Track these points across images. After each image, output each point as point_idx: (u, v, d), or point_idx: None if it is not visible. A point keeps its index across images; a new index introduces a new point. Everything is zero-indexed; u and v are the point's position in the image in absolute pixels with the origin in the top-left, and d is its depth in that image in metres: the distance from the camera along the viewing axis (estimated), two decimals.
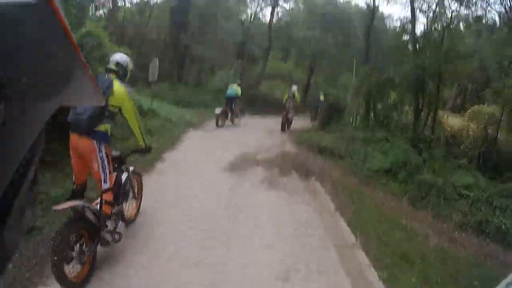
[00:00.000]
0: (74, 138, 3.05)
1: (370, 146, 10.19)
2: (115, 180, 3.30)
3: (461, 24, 15.67)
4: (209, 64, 23.78)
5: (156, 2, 27.65)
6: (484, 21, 15.87)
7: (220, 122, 12.02)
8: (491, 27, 16.17)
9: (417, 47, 13.57)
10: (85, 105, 2.69)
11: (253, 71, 25.95)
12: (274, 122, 13.87)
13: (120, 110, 3.22)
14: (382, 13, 44.86)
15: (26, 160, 0.52)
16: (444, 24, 13.49)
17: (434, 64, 11.21)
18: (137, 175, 4.12)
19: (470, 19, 15.52)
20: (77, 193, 3.23)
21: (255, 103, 19.68)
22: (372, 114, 14.21)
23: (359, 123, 14.17)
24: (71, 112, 3.00)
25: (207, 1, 22.18)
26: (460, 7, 13.93)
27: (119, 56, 3.40)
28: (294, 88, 14.31)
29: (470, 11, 14.63)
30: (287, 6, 26.42)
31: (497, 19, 15.78)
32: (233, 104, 12.52)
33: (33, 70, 0.48)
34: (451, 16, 13.92)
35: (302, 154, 9.04)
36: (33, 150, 0.53)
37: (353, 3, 33.79)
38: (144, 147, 3.54)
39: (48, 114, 0.55)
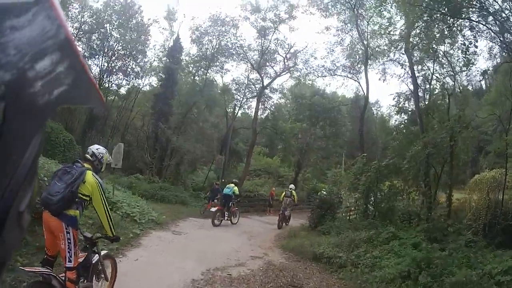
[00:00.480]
0: (45, 216, 3.30)
1: (377, 248, 8.21)
2: (85, 259, 3.52)
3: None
4: (190, 157, 22.77)
5: (140, 89, 28.34)
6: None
7: (216, 221, 11.83)
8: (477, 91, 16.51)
9: (422, 121, 12.99)
10: (57, 188, 3.23)
11: (237, 166, 25.17)
12: (258, 222, 13.92)
13: (90, 198, 3.41)
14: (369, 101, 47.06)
15: (26, 161, 0.53)
16: (448, 92, 13.39)
17: (446, 137, 10.04)
18: (111, 258, 4.25)
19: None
20: (48, 262, 3.41)
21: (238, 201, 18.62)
22: (371, 206, 12.44)
23: (358, 216, 12.58)
24: (44, 191, 3.36)
25: (191, 91, 22.29)
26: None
27: (96, 148, 3.71)
28: (292, 186, 15.83)
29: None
30: (274, 97, 26.65)
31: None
32: (230, 204, 12.61)
33: (33, 70, 0.50)
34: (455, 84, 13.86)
35: (291, 265, 7.16)
36: (32, 152, 0.54)
37: (339, 93, 35.61)
38: (112, 236, 3.63)
39: (49, 114, 0.58)
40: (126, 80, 29.34)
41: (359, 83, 23.74)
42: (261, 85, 23.51)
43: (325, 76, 23.82)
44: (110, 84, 29.31)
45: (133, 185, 16.80)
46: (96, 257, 3.69)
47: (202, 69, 23.37)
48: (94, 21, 26.85)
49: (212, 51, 22.54)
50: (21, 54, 0.47)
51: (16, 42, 0.46)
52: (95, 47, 27.38)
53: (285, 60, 23.70)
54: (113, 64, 28.51)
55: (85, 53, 27.69)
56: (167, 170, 22.24)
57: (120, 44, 28.22)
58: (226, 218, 12.47)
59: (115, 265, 4.30)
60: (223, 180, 17.69)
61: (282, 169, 28.32)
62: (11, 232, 0.53)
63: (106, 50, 27.75)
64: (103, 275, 3.87)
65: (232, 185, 13.21)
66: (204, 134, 22.65)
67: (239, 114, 27.37)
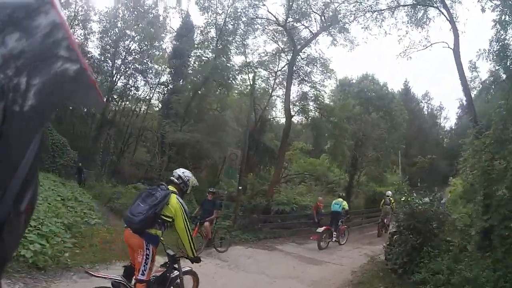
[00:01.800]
0: (127, 233, 3.58)
1: None
2: (162, 274, 3.77)
3: None
4: (193, 152, 17.64)
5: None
6: None
7: (322, 244, 10.62)
8: None
9: None
10: (140, 209, 3.45)
11: (270, 170, 19.39)
12: (297, 260, 9.24)
13: (173, 220, 3.60)
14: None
15: (26, 161, 0.53)
16: None
17: None
18: (193, 274, 4.34)
19: None
20: (129, 269, 3.69)
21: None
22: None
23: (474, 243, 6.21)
24: (128, 211, 3.63)
25: (200, 70, 17.34)
26: None
27: (181, 171, 3.96)
28: (389, 193, 14.48)
29: None
30: (313, 71, 18.47)
31: None
32: (339, 222, 11.35)
33: (33, 70, 0.50)
34: None
35: None
36: (32, 151, 0.54)
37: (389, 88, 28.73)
38: (192, 257, 3.76)
39: (49, 114, 0.60)
40: (144, 80, 26.20)
41: (443, 13, 13.83)
42: (292, 50, 16.64)
43: (381, 19, 15.54)
44: (127, 87, 26.58)
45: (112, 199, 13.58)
46: (175, 273, 3.85)
47: (215, 43, 17.25)
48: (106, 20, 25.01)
49: (225, 18, 16.58)
50: (21, 54, 0.47)
51: (16, 42, 0.46)
52: (108, 48, 24.83)
53: (322, 16, 16.11)
54: (129, 65, 25.87)
55: (99, 56, 25.87)
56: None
57: (136, 42, 25.42)
58: (334, 239, 11.15)
59: (197, 280, 4.40)
60: (240, 188, 12.67)
61: (332, 173, 21.48)
62: (11, 232, 0.53)
63: (121, 51, 25.34)
64: None
65: (341, 200, 11.76)
66: (218, 125, 17.15)
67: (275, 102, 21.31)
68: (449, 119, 57.60)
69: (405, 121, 26.54)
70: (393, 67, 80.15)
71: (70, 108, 24.15)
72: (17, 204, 0.53)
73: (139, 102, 28.80)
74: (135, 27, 25.72)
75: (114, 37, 26.39)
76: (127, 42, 26.77)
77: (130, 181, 18.56)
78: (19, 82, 0.48)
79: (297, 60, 16.85)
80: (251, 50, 17.78)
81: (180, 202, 3.59)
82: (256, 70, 17.61)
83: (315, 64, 17.27)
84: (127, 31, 26.34)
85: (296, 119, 19.31)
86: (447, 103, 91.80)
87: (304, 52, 17.13)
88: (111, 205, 13.25)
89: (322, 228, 10.74)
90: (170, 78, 17.78)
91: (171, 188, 3.67)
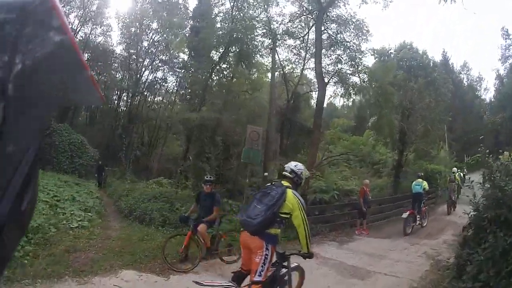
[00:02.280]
0: (244, 235, 3.59)
1: None
2: (272, 274, 3.62)
3: None
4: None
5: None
6: None
7: (407, 230, 10.07)
8: None
9: None
10: (257, 211, 3.41)
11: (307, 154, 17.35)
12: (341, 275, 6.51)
13: (290, 215, 3.49)
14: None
15: (27, 161, 0.53)
16: None
17: None
18: (300, 270, 4.18)
19: None
20: (240, 274, 3.74)
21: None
22: None
23: None
24: (243, 214, 3.58)
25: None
26: None
27: (294, 165, 3.85)
28: (455, 169, 15.24)
29: None
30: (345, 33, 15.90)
31: None
32: (422, 203, 10.93)
33: (33, 70, 0.50)
34: None
35: None
36: (33, 151, 0.54)
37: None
38: (307, 252, 3.63)
39: (49, 114, 0.64)
40: (171, 73, 25.92)
41: None
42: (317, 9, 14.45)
43: None
44: (156, 81, 26.57)
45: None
46: (283, 271, 3.77)
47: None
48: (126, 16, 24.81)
49: None
50: (21, 53, 0.47)
51: (17, 41, 0.46)
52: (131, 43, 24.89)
53: None
54: (155, 58, 25.80)
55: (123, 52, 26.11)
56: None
57: (158, 34, 25.23)
58: (417, 222, 10.67)
59: (303, 275, 4.25)
60: (265, 174, 11.07)
61: (378, 153, 19.12)
62: (11, 232, 0.53)
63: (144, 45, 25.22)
64: (287, 286, 3.84)
65: (420, 180, 11.15)
66: (246, 105, 15.09)
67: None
68: (489, 89, 52.90)
69: (449, 91, 24.14)
70: (430, 35, 75.05)
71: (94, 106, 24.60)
72: (17, 204, 0.53)
73: (167, 94, 28.56)
74: (156, 18, 25.40)
75: (137, 31, 26.32)
76: (150, 35, 26.66)
77: (157, 176, 17.68)
78: (19, 82, 0.48)
79: (326, 21, 14.63)
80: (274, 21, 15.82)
81: (297, 196, 3.52)
82: (279, 36, 15.41)
83: (348, 26, 15.02)
84: (149, 23, 26.17)
85: (336, 99, 17.42)
86: (485, 73, 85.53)
87: (332, 12, 14.83)
88: (120, 203, 12.15)
89: (407, 213, 10.22)
90: (191, 61, 16.67)
91: (285, 183, 3.63)
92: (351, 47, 15.02)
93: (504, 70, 45.84)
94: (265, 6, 15.10)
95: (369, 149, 18.32)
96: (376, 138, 17.59)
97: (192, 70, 15.68)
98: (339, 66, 15.35)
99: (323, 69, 14.39)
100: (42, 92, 0.53)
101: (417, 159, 18.13)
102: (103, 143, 23.17)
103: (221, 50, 14.68)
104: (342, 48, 15.15)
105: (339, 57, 15.16)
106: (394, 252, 8.10)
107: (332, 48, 15.32)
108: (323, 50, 14.81)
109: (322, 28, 14.48)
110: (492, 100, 49.85)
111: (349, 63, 15.08)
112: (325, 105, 17.23)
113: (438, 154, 22.36)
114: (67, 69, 0.57)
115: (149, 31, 26.90)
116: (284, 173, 3.80)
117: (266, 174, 11.42)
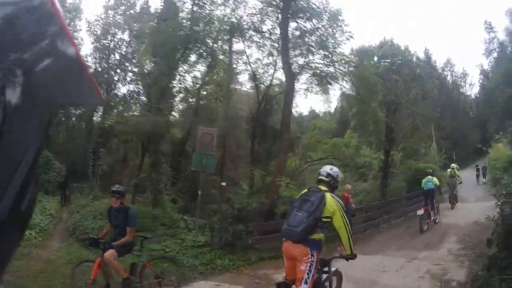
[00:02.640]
0: (287, 245, 3.52)
1: None
2: (315, 281, 3.51)
3: None
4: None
5: None
6: None
7: (424, 226, 10.13)
8: None
9: None
10: (298, 219, 3.39)
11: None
12: None
13: (331, 219, 3.48)
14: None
15: (27, 161, 0.53)
16: None
17: None
18: (338, 274, 4.13)
19: None
20: (284, 286, 3.64)
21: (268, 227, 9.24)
22: None
23: None
24: (285, 224, 3.55)
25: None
26: None
27: (329, 168, 3.89)
28: (453, 165, 14.90)
29: None
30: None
31: None
32: (434, 199, 11.01)
33: (33, 70, 0.50)
34: None
35: None
36: (32, 152, 0.53)
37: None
38: (350, 254, 3.65)
39: (49, 114, 0.58)
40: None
41: None
42: None
43: None
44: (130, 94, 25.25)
45: None
46: (324, 276, 3.74)
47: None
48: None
49: None
50: (21, 54, 0.47)
51: (17, 43, 0.45)
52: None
53: None
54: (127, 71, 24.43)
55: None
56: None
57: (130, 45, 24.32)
58: (432, 218, 10.79)
59: (341, 279, 4.19)
60: (223, 184, 9.97)
61: (363, 156, 17.91)
62: (11, 232, 0.52)
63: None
64: None
65: (431, 177, 11.38)
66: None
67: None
68: (474, 85, 52.90)
69: (435, 87, 23.28)
70: (411, 32, 75.71)
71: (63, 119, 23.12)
72: (17, 204, 0.52)
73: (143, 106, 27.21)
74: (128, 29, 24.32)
75: (109, 44, 25.24)
76: (122, 47, 25.47)
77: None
78: (19, 83, 0.47)
79: (295, 11, 13.13)
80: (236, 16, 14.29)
81: (336, 199, 3.55)
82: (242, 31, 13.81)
83: (320, 17, 13.45)
84: (121, 36, 25.14)
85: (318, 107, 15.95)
86: (470, 69, 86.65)
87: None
88: (69, 221, 11.57)
89: (422, 211, 10.29)
90: (154, 67, 15.19)
91: (322, 187, 3.66)
92: (324, 34, 13.59)
93: (489, 65, 45.68)
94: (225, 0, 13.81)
95: (352, 151, 16.85)
96: (359, 139, 16.12)
97: (154, 75, 14.16)
98: (311, 57, 13.91)
99: (294, 62, 13.09)
100: (42, 93, 0.52)
101: (405, 159, 16.85)
102: (74, 160, 22.64)
103: (181, 51, 13.30)
104: (313, 38, 13.73)
105: (310, 47, 13.62)
106: (387, 274, 6.47)
107: (302, 39, 13.85)
108: (294, 40, 13.55)
109: (290, 16, 13.12)
110: (477, 96, 49.74)
111: (322, 53, 13.60)
112: (305, 112, 15.83)
113: (429, 153, 21.39)
114: (67, 70, 0.55)
115: (121, 43, 25.71)
116: (320, 177, 3.79)
117: (223, 183, 9.88)
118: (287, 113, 12.56)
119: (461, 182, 14.66)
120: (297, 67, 13.58)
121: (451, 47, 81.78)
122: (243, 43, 14.47)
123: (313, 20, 13.42)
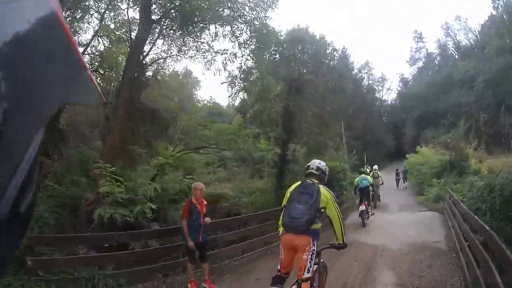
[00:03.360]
0: (289, 237, 3.52)
1: None
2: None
3: None
4: None
5: None
6: None
7: (365, 221, 10.61)
8: None
9: None
10: (300, 211, 3.45)
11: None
12: None
13: (325, 209, 3.57)
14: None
15: (27, 161, 0.53)
16: None
17: None
18: (324, 267, 4.12)
19: None
20: (280, 279, 3.64)
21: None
22: None
23: None
24: (287, 217, 3.55)
25: None
26: None
27: (318, 162, 3.97)
28: (376, 167, 15.52)
29: None
30: None
31: None
32: (370, 197, 11.68)
33: (33, 70, 0.50)
34: None
35: None
36: (33, 151, 0.53)
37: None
38: (342, 243, 3.72)
39: (48, 113, 0.56)
40: None
41: None
42: None
43: None
44: None
45: None
46: (315, 267, 3.75)
47: None
48: None
49: None
50: (20, 53, 0.47)
51: (16, 41, 0.45)
52: None
53: None
54: None
55: None
56: None
57: None
58: (370, 213, 11.28)
59: (326, 271, 4.20)
60: None
61: (259, 150, 14.84)
62: (11, 232, 0.52)
63: None
64: (315, 284, 3.82)
65: (364, 175, 11.78)
66: None
67: None
68: (392, 90, 56.57)
69: (352, 82, 22.00)
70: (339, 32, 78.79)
71: None
72: (17, 205, 0.51)
73: None
74: None
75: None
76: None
77: None
78: (18, 82, 0.47)
79: None
80: None
81: (329, 191, 3.65)
82: None
83: None
84: None
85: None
86: (389, 75, 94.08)
87: None
88: None
89: (363, 207, 10.61)
90: None
91: (314, 180, 3.72)
92: None
93: (411, 73, 48.33)
94: None
95: (249, 143, 13.77)
96: (259, 129, 13.17)
97: None
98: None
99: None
100: (42, 92, 0.52)
101: (308, 155, 14.46)
102: None
103: None
104: None
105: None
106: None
107: None
108: None
109: None
110: (393, 102, 52.61)
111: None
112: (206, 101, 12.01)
113: (338, 151, 19.80)
114: (67, 69, 0.55)
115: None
116: (310, 171, 3.85)
117: None
118: (134, 61, 9.67)
119: (383, 183, 14.99)
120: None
121: (372, 51, 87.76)
122: None
123: None
